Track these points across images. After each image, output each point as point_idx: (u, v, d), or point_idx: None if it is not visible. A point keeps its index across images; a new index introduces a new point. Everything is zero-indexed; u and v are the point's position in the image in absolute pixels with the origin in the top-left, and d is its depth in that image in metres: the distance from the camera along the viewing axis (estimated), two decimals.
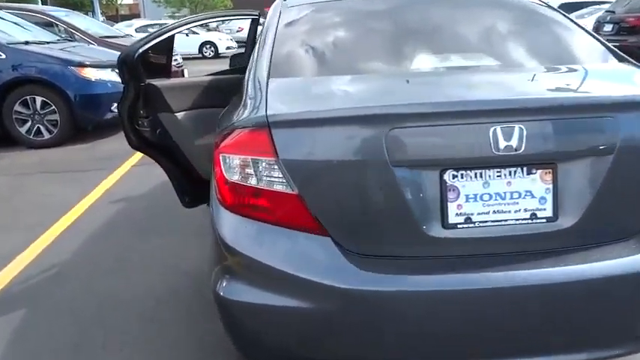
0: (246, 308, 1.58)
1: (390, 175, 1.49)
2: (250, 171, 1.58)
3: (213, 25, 21.54)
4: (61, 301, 2.75)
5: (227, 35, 22.74)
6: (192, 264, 3.06)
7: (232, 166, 1.61)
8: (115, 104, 6.37)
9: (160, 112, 2.68)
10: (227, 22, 23.94)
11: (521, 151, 1.48)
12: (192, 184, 2.96)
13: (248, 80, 2.01)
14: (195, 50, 20.37)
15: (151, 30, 17.30)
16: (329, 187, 1.53)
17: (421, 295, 1.49)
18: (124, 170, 5.09)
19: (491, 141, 1.48)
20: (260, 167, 1.56)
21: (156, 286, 2.85)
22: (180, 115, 2.72)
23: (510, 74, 1.95)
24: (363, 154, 1.52)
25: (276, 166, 1.54)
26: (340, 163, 1.52)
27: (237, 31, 24.63)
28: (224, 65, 4.30)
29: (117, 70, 6.58)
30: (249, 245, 1.58)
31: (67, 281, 2.95)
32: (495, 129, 1.48)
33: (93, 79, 6.12)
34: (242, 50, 4.20)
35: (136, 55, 2.52)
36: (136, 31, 17.57)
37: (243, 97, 1.89)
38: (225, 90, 2.95)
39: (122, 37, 9.26)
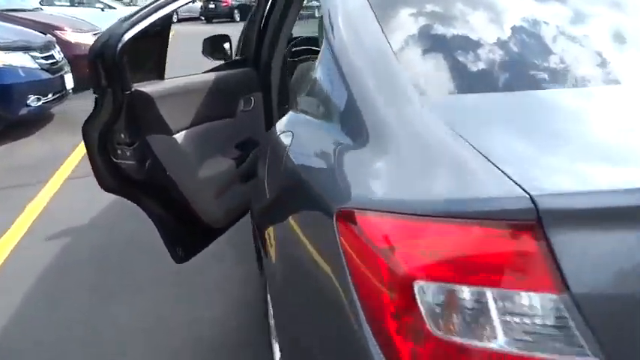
0: None
1: None
2: (489, 318, 0.71)
3: None
4: None
5: None
6: (186, 344, 2.11)
7: (436, 306, 0.73)
8: (33, 97, 5.20)
9: (151, 134, 1.69)
10: None
11: None
12: (188, 230, 2.03)
13: (343, 99, 1.09)
14: None
15: (58, 4, 15.14)
16: None
17: None
18: (57, 185, 3.92)
19: None
20: (517, 310, 0.70)
21: None
22: (179, 136, 1.75)
23: None
24: None
25: (563, 312, 0.68)
26: None
27: None
28: None
29: (60, 67, 5.26)
30: None
31: None
32: None
33: (0, 66, 4.82)
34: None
35: (120, 45, 1.52)
36: (41, 3, 15.27)
37: (359, 133, 0.98)
38: (235, 92, 2.03)
39: (31, 10, 7.67)
